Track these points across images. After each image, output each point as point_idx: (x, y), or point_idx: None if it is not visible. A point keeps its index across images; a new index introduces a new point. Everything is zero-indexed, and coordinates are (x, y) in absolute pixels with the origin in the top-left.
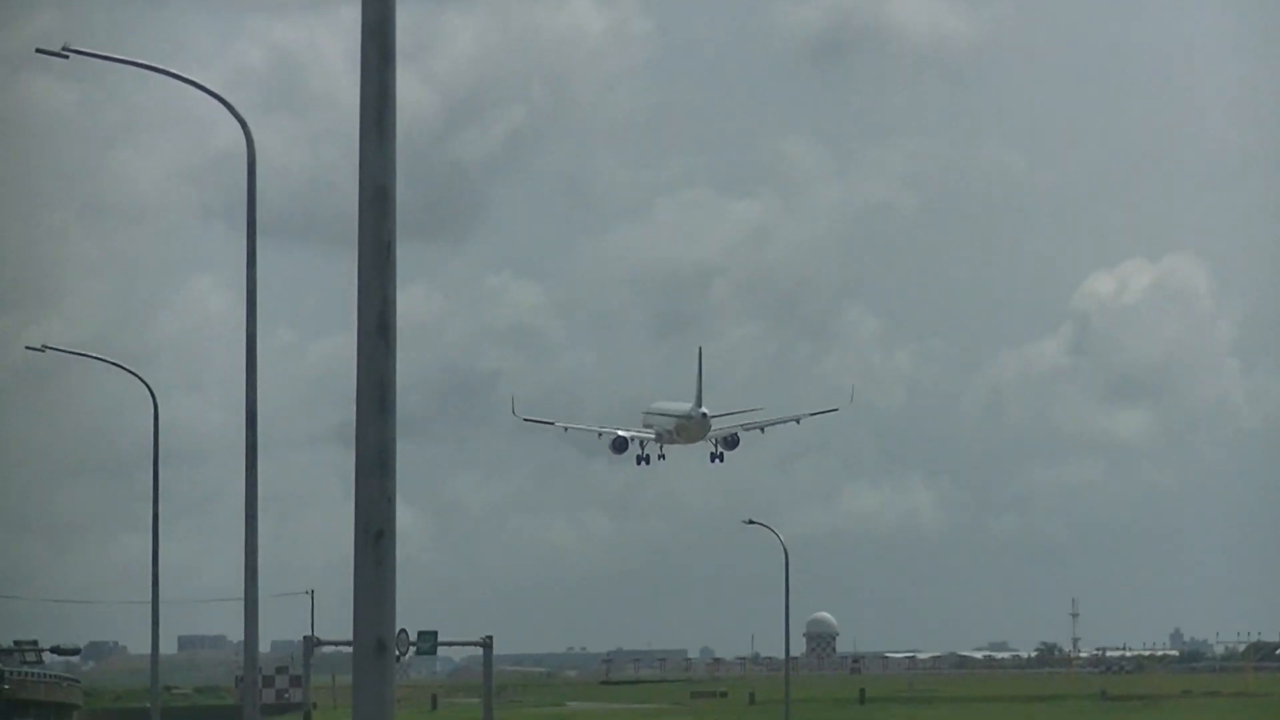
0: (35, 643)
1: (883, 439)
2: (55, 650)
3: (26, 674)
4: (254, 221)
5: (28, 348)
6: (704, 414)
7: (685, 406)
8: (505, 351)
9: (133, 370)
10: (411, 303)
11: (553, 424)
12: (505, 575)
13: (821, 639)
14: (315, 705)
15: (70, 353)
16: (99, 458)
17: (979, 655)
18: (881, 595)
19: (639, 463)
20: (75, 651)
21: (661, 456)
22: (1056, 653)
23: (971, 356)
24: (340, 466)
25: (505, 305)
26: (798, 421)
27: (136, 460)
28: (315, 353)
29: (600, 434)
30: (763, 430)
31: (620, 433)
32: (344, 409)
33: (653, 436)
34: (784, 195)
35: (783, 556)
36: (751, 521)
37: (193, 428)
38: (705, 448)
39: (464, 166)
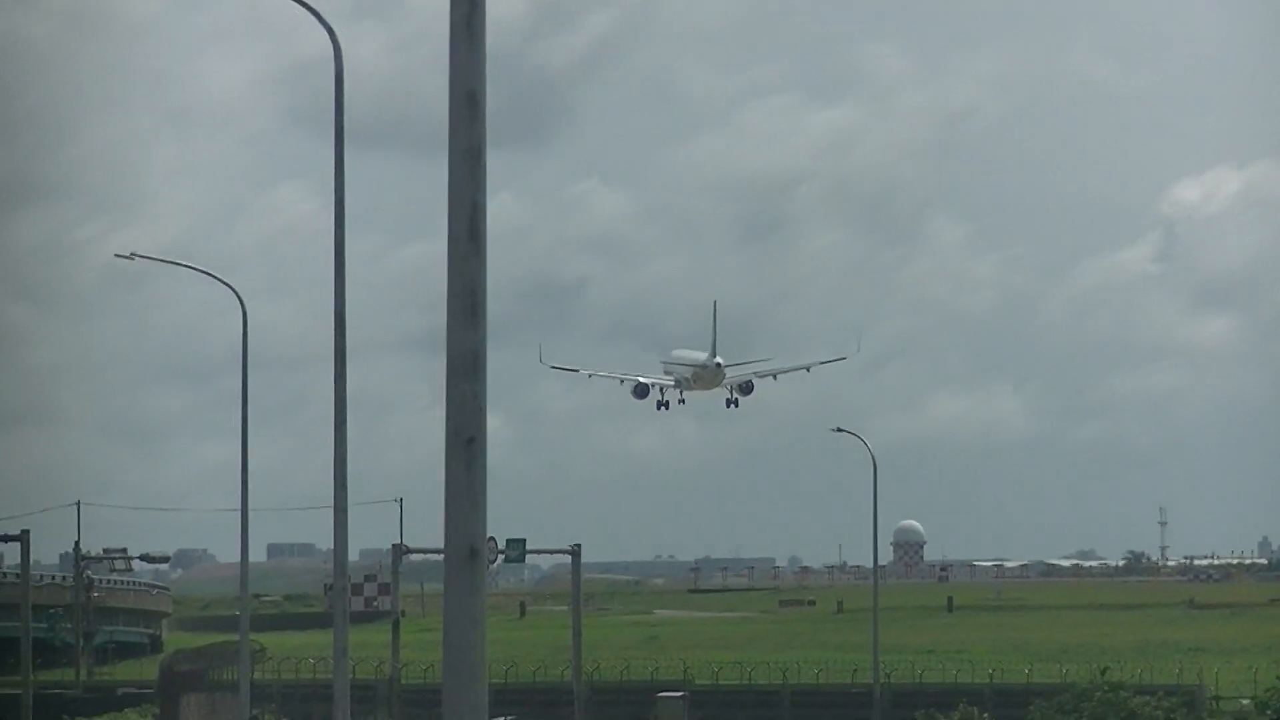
0: (124, 550)
1: (969, 347)
2: (144, 558)
3: (116, 582)
4: (342, 129)
5: (116, 255)
6: (718, 364)
7: (702, 356)
8: (590, 257)
9: (220, 277)
10: (497, 209)
11: (578, 371)
12: (593, 483)
13: (909, 547)
14: (404, 613)
15: (158, 260)
16: (185, 363)
17: (1066, 564)
18: (969, 503)
19: (659, 408)
20: (164, 560)
21: (681, 401)
22: (1144, 561)
23: (1057, 263)
24: (427, 372)
25: (590, 211)
26: (808, 369)
27: (223, 366)
28: (400, 258)
29: (623, 380)
30: (775, 378)
31: (642, 380)
32: (429, 314)
33: (672, 383)
34: (870, 101)
35: (871, 465)
36: (840, 429)
37: (278, 333)
38: (721, 394)
39: (550, 72)
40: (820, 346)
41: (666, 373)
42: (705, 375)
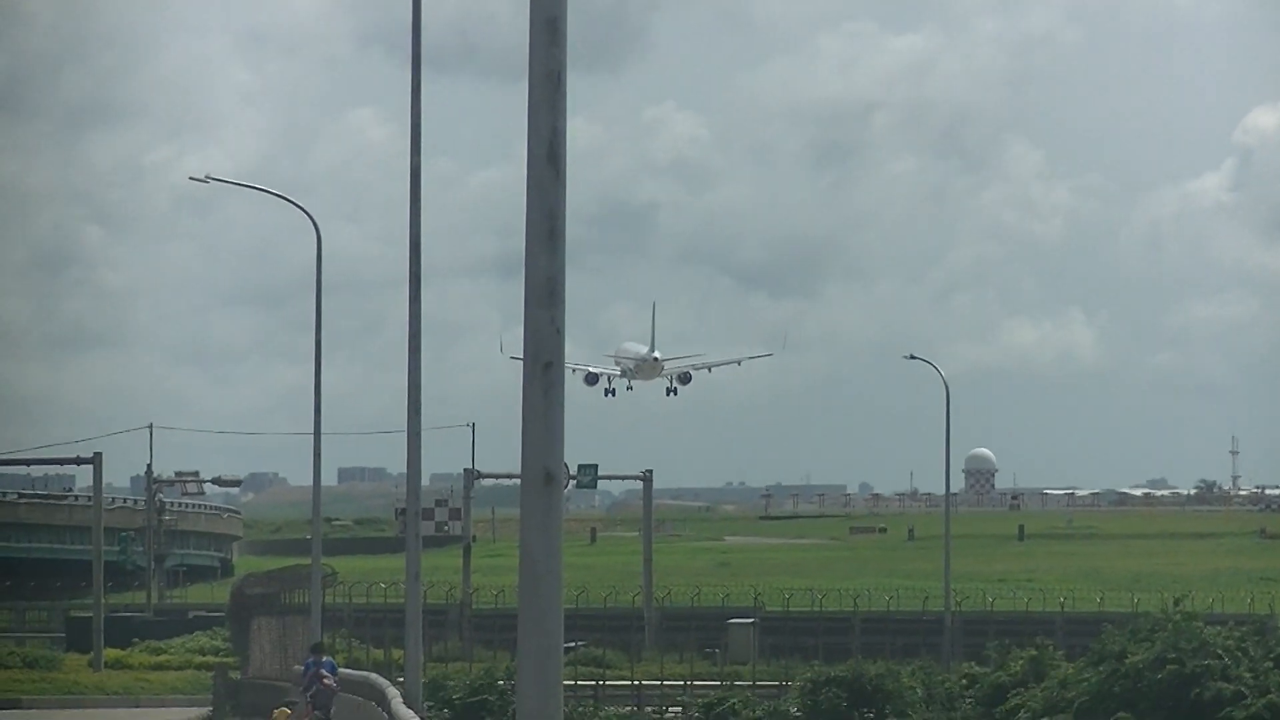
0: (197, 474)
1: (1042, 274)
2: (216, 481)
3: (187, 505)
4: (419, 53)
5: (190, 178)
6: (656, 358)
7: (644, 350)
8: (663, 183)
9: (294, 201)
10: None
11: (572, 370)
12: (665, 409)
13: (981, 475)
14: (475, 538)
15: (233, 183)
16: (258, 287)
17: (1138, 492)
18: (1041, 431)
19: (606, 395)
20: (236, 483)
21: (629, 388)
22: (1215, 490)
23: (1131, 191)
24: (500, 296)
25: (664, 136)
26: (739, 364)
27: (295, 289)
28: (474, 182)
29: (574, 369)
30: (710, 370)
31: (591, 369)
32: (503, 239)
33: (619, 373)
34: (945, 28)
35: (943, 392)
36: (912, 357)
37: (351, 257)
38: (662, 383)
39: None
40: (893, 273)
41: (615, 364)
42: (645, 367)
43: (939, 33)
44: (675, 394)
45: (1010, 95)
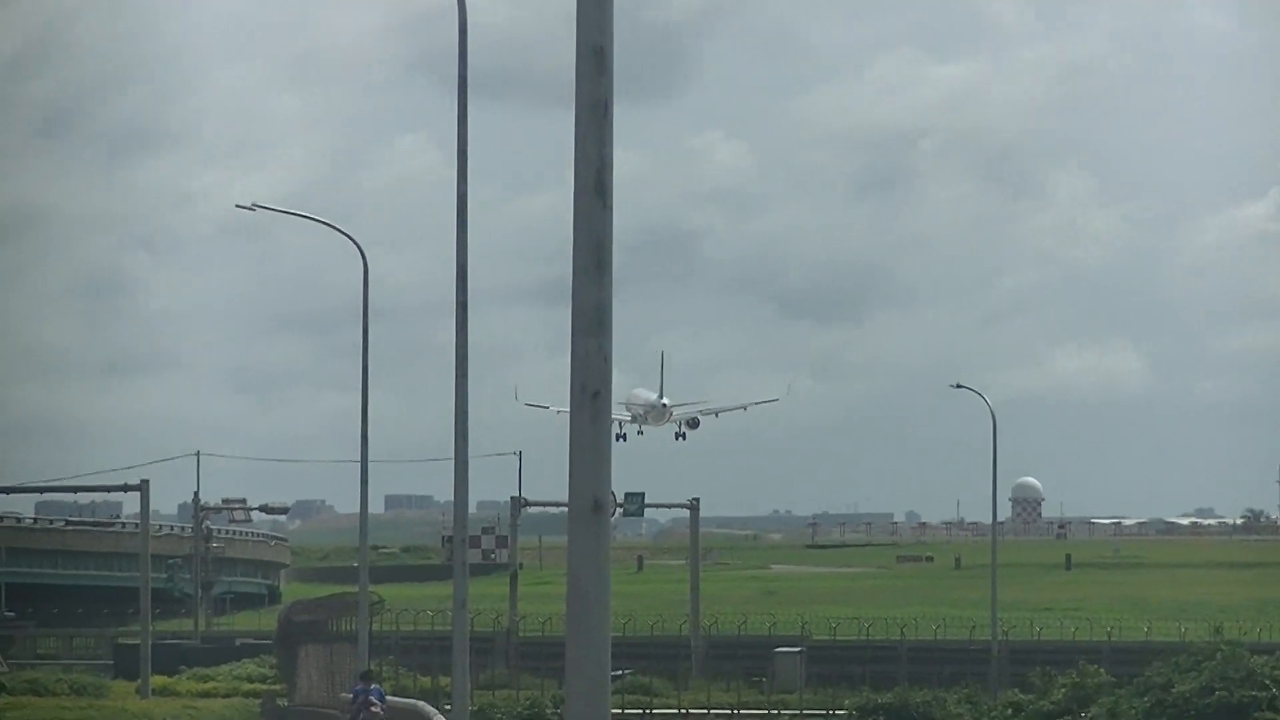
0: (244, 501)
1: (1089, 301)
2: (263, 509)
3: (235, 532)
4: (465, 79)
5: (237, 206)
6: (664, 404)
7: (653, 397)
8: (709, 210)
9: (340, 228)
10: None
11: (548, 408)
12: (711, 437)
13: (1027, 504)
14: (521, 566)
15: (279, 211)
16: (304, 313)
17: (1184, 521)
18: (1088, 460)
19: (617, 439)
20: (283, 510)
21: (640, 433)
22: (1262, 519)
23: (1179, 218)
24: (547, 323)
25: (710, 164)
26: (744, 409)
27: (342, 316)
28: (520, 209)
29: None
30: (716, 415)
31: None
32: (550, 265)
33: (629, 419)
34: (992, 55)
35: (990, 420)
36: (959, 386)
37: (397, 283)
38: (671, 428)
39: (672, 24)
40: (939, 301)
41: (626, 410)
42: (654, 413)
43: (986, 59)
44: (684, 438)
45: (1057, 122)
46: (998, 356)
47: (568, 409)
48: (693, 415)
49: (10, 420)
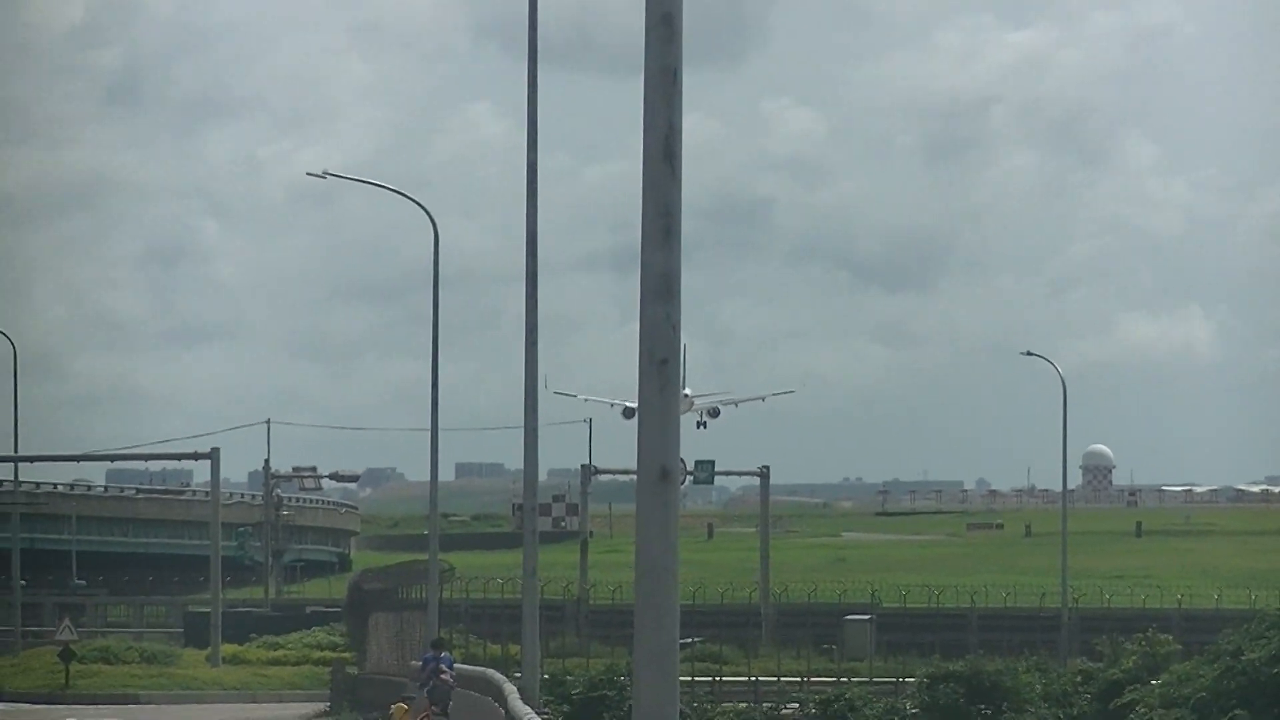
0: (314, 469)
1: (1159, 269)
2: (334, 476)
3: (305, 500)
4: (535, 47)
5: (308, 174)
6: (686, 394)
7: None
8: (778, 177)
9: (411, 196)
10: (687, 128)
11: (575, 396)
12: (781, 405)
13: (1098, 471)
14: (592, 533)
15: (349, 179)
16: (374, 281)
17: (1256, 489)
18: (1158, 427)
19: None
20: (354, 478)
21: None
22: None
23: (1248, 185)
24: (616, 291)
25: (779, 131)
26: (763, 400)
27: (411, 283)
28: (589, 176)
29: (612, 405)
30: (736, 405)
31: (629, 404)
32: (618, 233)
33: None
34: (1062, 22)
35: (1060, 388)
36: (1029, 353)
37: (467, 251)
38: (693, 417)
39: None
40: (1009, 268)
41: None
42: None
43: (1056, 26)
44: (704, 427)
45: (1127, 89)
46: (1068, 324)
47: (594, 397)
48: (713, 405)
49: (81, 389)
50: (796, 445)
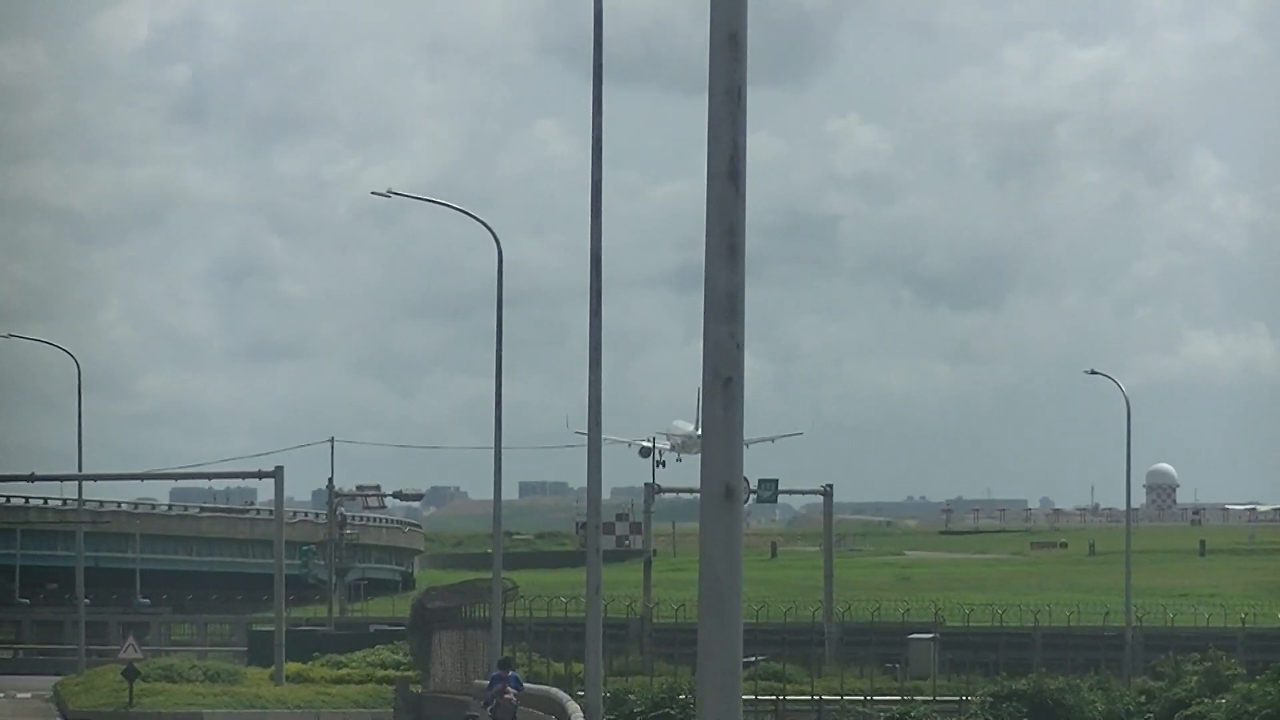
0: (378, 487)
1: (1226, 286)
2: (397, 495)
3: (369, 519)
4: (600, 67)
5: (373, 193)
6: (698, 436)
7: (690, 428)
8: (845, 194)
9: (476, 215)
10: (753, 146)
11: (628, 444)
12: (845, 423)
13: (1162, 490)
14: (655, 552)
15: (415, 198)
16: (439, 299)
17: None
18: (1223, 446)
19: (658, 465)
20: (418, 497)
21: (679, 460)
22: None
23: None
24: (680, 309)
25: (846, 148)
26: (772, 441)
27: (476, 301)
28: (653, 195)
29: (630, 444)
30: (748, 445)
31: (644, 444)
32: (683, 251)
33: (669, 447)
34: (1131, 38)
35: (1124, 406)
36: (1093, 372)
37: (532, 269)
38: None
39: (809, 8)
40: (1076, 286)
41: (666, 439)
42: (691, 443)
43: (1124, 43)
44: None
45: (1195, 106)
46: (1133, 341)
47: (613, 437)
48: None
49: (146, 407)
50: (861, 463)
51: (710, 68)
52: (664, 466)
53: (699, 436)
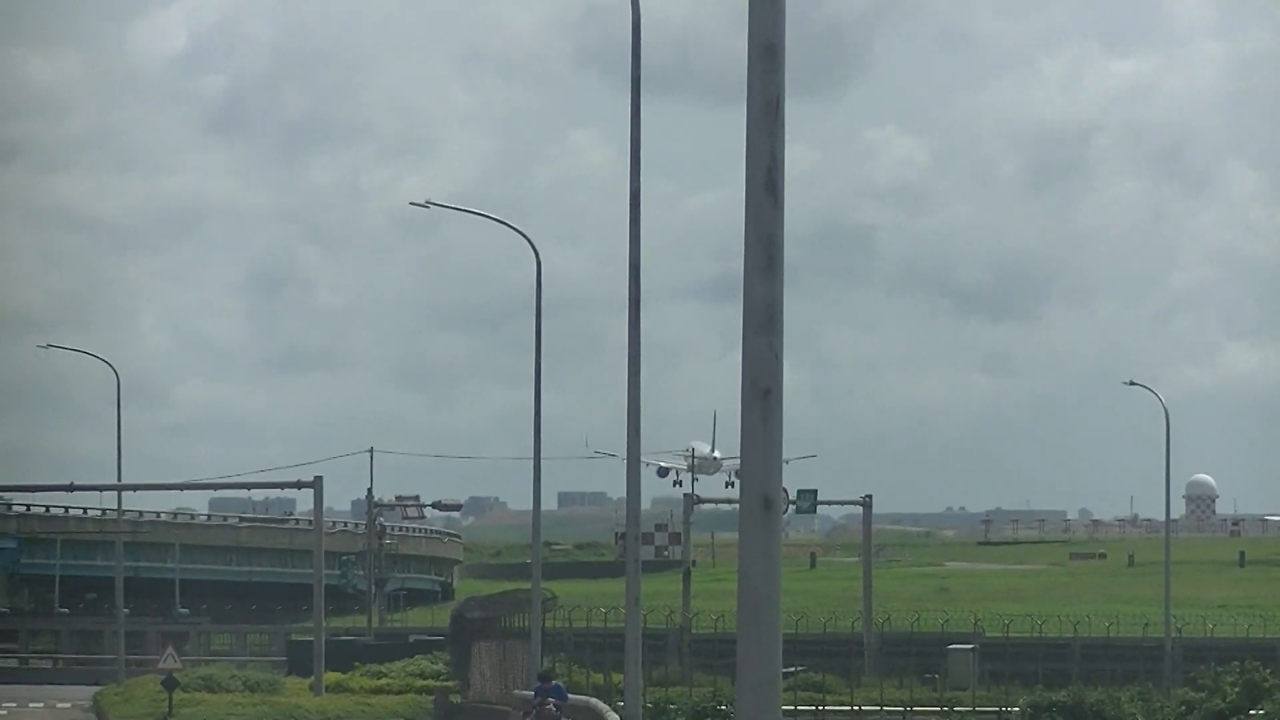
0: (417, 497)
1: (1263, 297)
2: (436, 505)
3: (408, 529)
4: (638, 77)
5: (411, 203)
6: (715, 456)
7: (707, 449)
8: (882, 205)
9: (514, 225)
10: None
11: (615, 455)
12: (884, 433)
13: (1201, 501)
14: (694, 562)
15: (452, 208)
16: (476, 308)
17: None
18: (1263, 457)
19: (674, 485)
20: (456, 507)
21: (695, 479)
22: None
23: None
24: (718, 319)
25: (882, 159)
26: (787, 462)
27: (513, 311)
28: (690, 205)
29: (648, 464)
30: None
31: (662, 464)
32: (721, 261)
33: (685, 468)
34: (1167, 48)
35: (1163, 417)
36: (1132, 383)
37: (569, 279)
38: (723, 477)
39: (844, 20)
40: (1112, 296)
41: (683, 459)
42: (706, 464)
43: (1159, 54)
44: (731, 486)
45: (1231, 116)
46: (1171, 352)
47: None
48: (739, 467)
49: (183, 416)
50: (900, 474)
51: (748, 80)
52: (680, 486)
53: (715, 458)
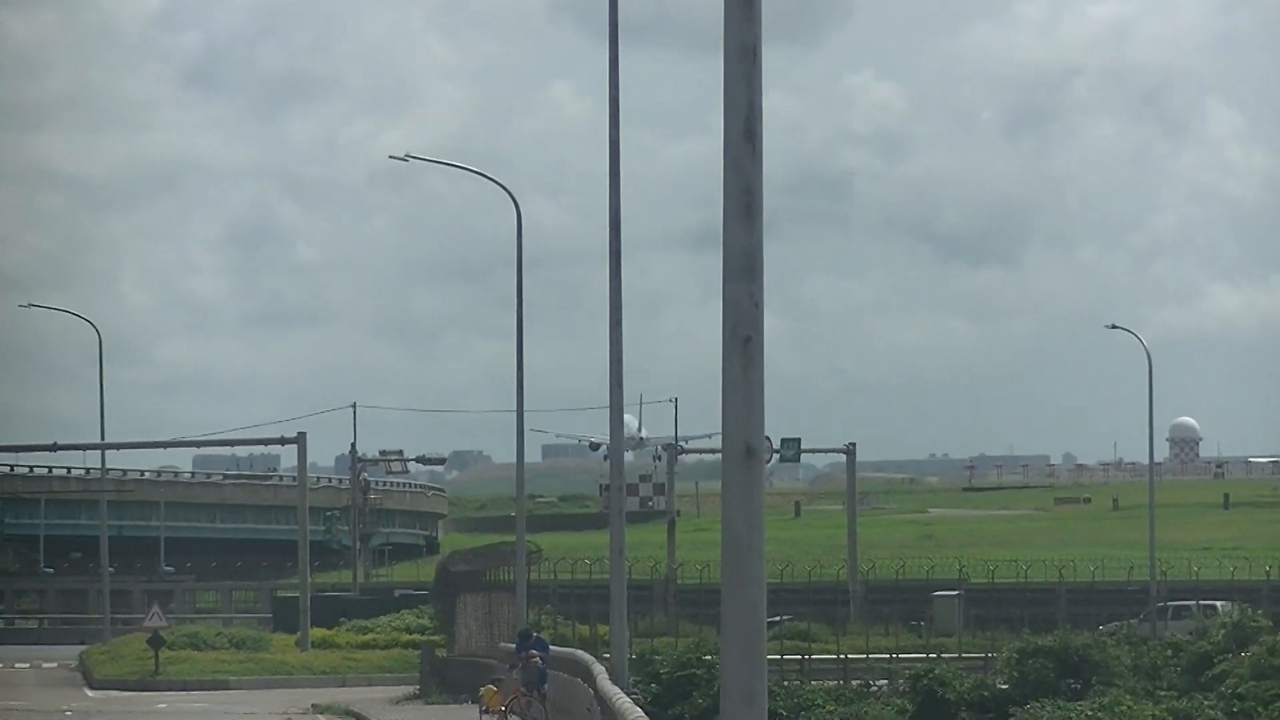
0: (400, 452)
1: (1244, 238)
2: (420, 460)
3: (392, 484)
4: (616, 26)
5: (390, 156)
6: (642, 437)
7: (634, 426)
8: (860, 151)
9: (493, 177)
10: (767, 104)
11: (579, 440)
12: (867, 381)
13: (1185, 444)
14: (679, 513)
15: (432, 161)
16: (457, 262)
17: None
18: (1245, 398)
19: (605, 459)
20: (440, 461)
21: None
22: None
23: None
24: (698, 268)
25: (861, 105)
26: (709, 437)
27: (494, 263)
28: (670, 154)
29: (580, 440)
30: (686, 443)
31: (593, 440)
32: (700, 210)
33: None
34: None
35: (1145, 360)
36: (1114, 326)
37: (549, 231)
38: (649, 452)
39: None
40: (1093, 240)
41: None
42: (632, 442)
43: None
44: (660, 459)
45: (1210, 58)
46: (1153, 295)
47: (567, 435)
48: (668, 442)
49: (166, 374)
50: (883, 421)
51: (725, 27)
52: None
53: (641, 437)
